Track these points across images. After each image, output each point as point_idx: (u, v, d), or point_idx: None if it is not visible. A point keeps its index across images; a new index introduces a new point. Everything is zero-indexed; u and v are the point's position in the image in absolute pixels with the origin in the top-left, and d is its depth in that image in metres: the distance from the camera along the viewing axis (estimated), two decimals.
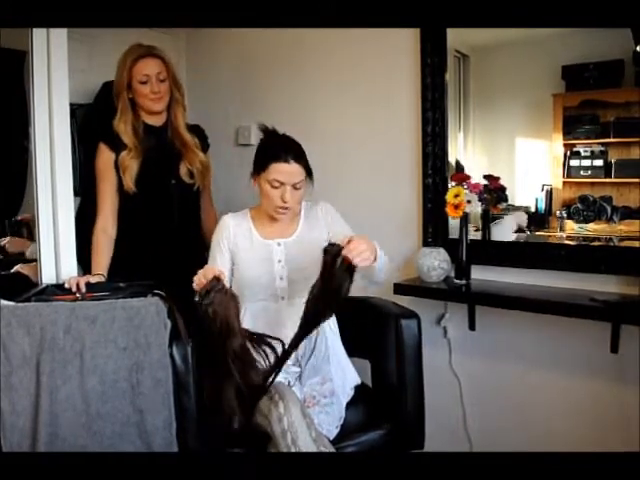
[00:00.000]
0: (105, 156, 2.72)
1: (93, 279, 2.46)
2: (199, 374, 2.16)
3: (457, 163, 2.83)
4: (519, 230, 2.72)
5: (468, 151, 2.85)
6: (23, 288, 2.37)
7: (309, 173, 2.38)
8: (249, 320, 2.31)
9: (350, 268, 1.99)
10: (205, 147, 2.91)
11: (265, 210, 2.40)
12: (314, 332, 2.26)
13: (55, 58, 2.49)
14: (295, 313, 2.22)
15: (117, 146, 2.71)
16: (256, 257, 2.38)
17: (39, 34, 2.45)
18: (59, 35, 2.49)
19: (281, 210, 2.34)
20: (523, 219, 2.71)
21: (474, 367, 2.82)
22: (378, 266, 2.18)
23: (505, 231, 2.72)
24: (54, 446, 1.97)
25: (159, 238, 2.76)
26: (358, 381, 2.38)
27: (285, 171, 2.30)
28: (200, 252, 2.70)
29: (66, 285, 2.37)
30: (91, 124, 3.04)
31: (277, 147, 2.35)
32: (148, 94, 2.70)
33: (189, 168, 2.77)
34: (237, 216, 2.46)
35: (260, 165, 2.35)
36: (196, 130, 2.90)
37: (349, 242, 1.99)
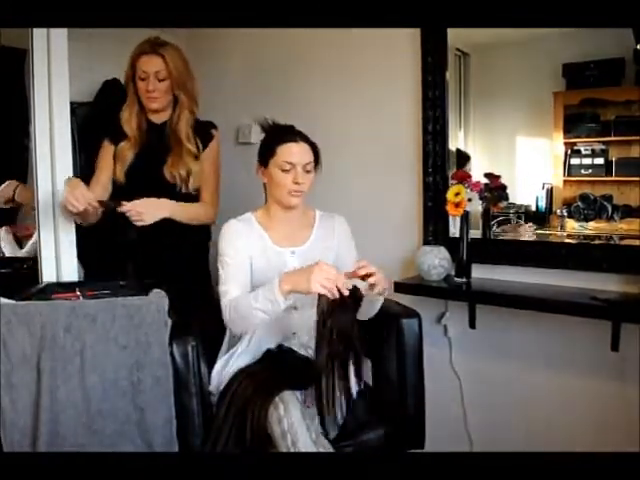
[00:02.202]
0: (108, 151, 2.73)
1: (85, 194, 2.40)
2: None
3: (458, 151, 2.83)
4: None
5: (469, 149, 2.84)
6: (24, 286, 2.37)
7: (317, 158, 2.35)
8: (262, 330, 2.29)
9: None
10: (206, 143, 2.78)
11: (276, 201, 2.33)
12: None
13: (55, 57, 2.49)
14: (307, 322, 2.21)
15: (118, 140, 2.71)
16: (269, 267, 2.28)
17: (39, 34, 2.45)
18: (59, 35, 2.48)
19: (295, 193, 2.27)
20: None
21: (474, 365, 2.82)
22: (376, 304, 2.24)
23: None
24: (54, 445, 1.98)
25: (142, 234, 2.63)
26: (360, 387, 2.37)
27: (295, 151, 2.27)
28: (190, 251, 2.69)
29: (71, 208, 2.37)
30: (91, 123, 3.04)
31: (284, 130, 2.34)
32: (144, 92, 2.67)
33: (171, 170, 2.68)
34: (243, 221, 2.36)
35: (268, 151, 2.31)
36: (201, 127, 2.79)
37: (371, 275, 2.07)
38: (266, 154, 2.32)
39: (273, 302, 2.05)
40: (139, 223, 2.48)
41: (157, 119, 2.77)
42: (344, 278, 2.02)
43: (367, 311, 2.23)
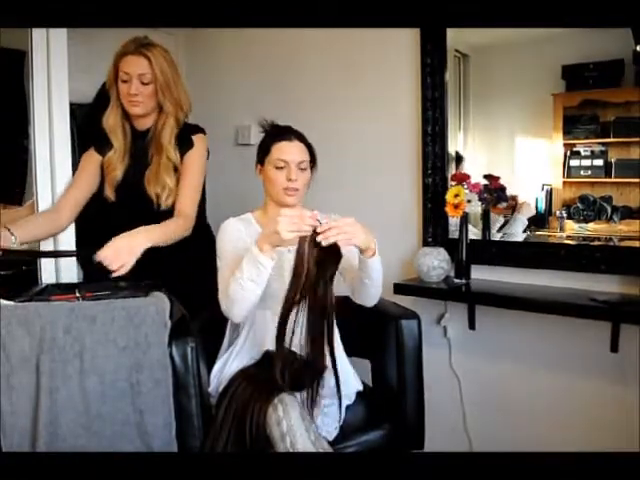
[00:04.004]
0: (93, 160, 2.63)
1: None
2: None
3: (457, 153, 2.85)
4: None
5: (468, 150, 2.85)
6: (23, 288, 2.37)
7: (313, 157, 2.37)
8: (258, 329, 2.29)
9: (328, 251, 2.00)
10: (185, 151, 2.63)
11: (273, 200, 2.34)
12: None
13: (55, 58, 2.48)
14: (304, 321, 2.22)
15: (105, 149, 2.62)
16: None
17: (39, 34, 2.45)
18: (59, 35, 2.48)
19: (289, 192, 2.29)
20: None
21: (474, 366, 2.82)
22: (372, 264, 2.14)
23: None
24: (54, 446, 1.97)
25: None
26: (360, 388, 2.37)
27: (288, 149, 2.30)
28: (190, 251, 2.65)
29: None
30: (90, 124, 3.03)
31: (280, 129, 2.37)
32: (126, 95, 2.52)
33: (147, 188, 2.57)
34: (242, 220, 2.37)
35: (264, 150, 2.35)
36: (183, 133, 2.65)
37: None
38: (262, 153, 2.36)
39: (258, 265, 2.06)
40: (121, 271, 2.25)
41: (141, 126, 2.65)
42: (312, 214, 2.00)
43: (368, 274, 2.18)
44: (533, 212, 2.68)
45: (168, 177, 2.58)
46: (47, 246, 2.55)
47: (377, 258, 2.15)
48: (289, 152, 2.29)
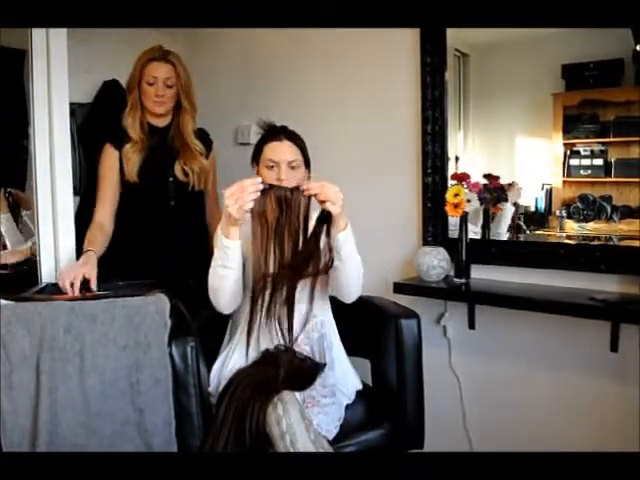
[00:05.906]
0: (111, 157, 2.75)
1: (85, 269, 2.40)
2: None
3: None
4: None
5: (468, 150, 2.84)
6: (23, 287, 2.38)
7: (305, 156, 2.39)
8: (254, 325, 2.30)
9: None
10: (209, 150, 2.91)
11: None
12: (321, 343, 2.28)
13: (55, 58, 2.49)
14: (301, 312, 2.27)
15: (121, 144, 2.74)
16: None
17: (39, 34, 2.45)
18: (59, 35, 2.49)
19: None
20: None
21: (474, 366, 2.82)
22: (342, 239, 2.20)
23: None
24: (54, 445, 1.97)
25: (155, 234, 2.76)
26: (360, 387, 2.38)
27: (277, 149, 2.32)
28: (200, 251, 2.69)
29: (59, 284, 2.35)
30: (91, 123, 3.05)
31: (272, 130, 2.40)
32: (152, 96, 2.73)
33: (184, 167, 2.77)
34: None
35: (257, 151, 2.39)
36: (200, 134, 2.90)
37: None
38: (255, 154, 2.40)
39: (223, 248, 2.18)
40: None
41: (159, 122, 2.83)
42: (253, 181, 2.12)
43: (338, 252, 2.23)
44: (519, 195, 2.71)
45: (203, 159, 2.84)
46: (47, 242, 2.55)
47: (346, 233, 2.22)
48: (278, 152, 2.32)
